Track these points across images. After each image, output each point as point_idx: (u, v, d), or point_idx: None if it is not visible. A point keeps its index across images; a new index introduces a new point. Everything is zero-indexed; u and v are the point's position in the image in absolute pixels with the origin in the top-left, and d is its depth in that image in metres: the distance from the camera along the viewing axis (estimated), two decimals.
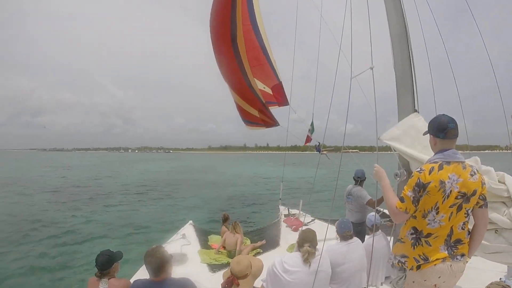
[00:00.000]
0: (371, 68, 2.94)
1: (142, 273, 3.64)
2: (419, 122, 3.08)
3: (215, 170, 47.04)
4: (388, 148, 3.20)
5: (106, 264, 2.82)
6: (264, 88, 7.75)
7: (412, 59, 3.23)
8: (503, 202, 2.70)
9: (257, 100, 7.31)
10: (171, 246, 5.87)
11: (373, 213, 4.14)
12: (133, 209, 16.71)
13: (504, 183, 2.69)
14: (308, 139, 8.69)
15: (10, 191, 23.11)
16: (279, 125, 7.70)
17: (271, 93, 7.86)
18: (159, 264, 2.48)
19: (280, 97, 7.92)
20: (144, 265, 2.50)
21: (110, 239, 10.92)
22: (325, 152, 15.53)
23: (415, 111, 3.20)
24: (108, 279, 2.81)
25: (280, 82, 7.78)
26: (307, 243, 3.18)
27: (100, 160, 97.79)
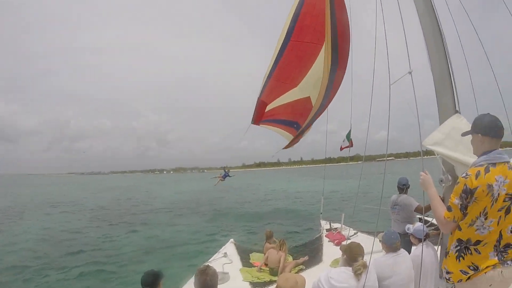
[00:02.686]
0: (410, 73, 2.87)
1: None
2: (461, 124, 2.94)
3: (251, 187, 47.10)
4: (427, 153, 3.08)
5: (152, 283, 2.89)
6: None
7: (449, 58, 3.12)
8: None
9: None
10: (213, 265, 5.88)
11: (420, 224, 3.98)
12: (172, 228, 17.06)
13: None
14: (342, 148, 8.64)
15: (52, 214, 24.43)
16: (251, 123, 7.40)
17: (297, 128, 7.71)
18: (212, 282, 2.51)
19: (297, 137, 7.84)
20: (186, 284, 2.53)
21: (150, 257, 11.21)
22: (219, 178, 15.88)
23: (457, 112, 3.07)
24: None
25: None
26: (359, 256, 3.10)
27: (137, 181, 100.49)
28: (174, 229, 16.59)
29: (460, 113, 3.05)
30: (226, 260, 6.24)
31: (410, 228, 4.03)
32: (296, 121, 7.62)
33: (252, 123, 7.44)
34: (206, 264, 2.75)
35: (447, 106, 3.11)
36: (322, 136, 8.03)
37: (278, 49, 6.52)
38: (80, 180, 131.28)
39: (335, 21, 6.24)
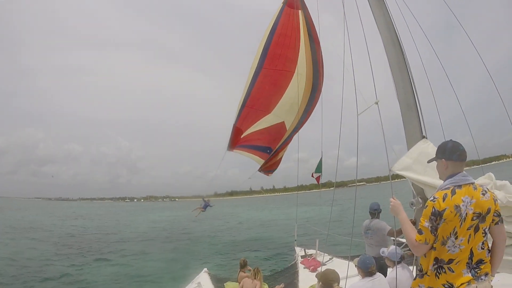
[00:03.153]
0: (376, 103, 3.03)
1: None
2: (428, 148, 3.09)
3: (225, 216, 46.33)
4: (396, 176, 3.19)
5: None
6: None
7: (414, 86, 3.30)
8: None
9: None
10: None
11: (394, 247, 4.05)
12: (144, 257, 16.51)
13: None
14: (318, 179, 8.70)
15: (18, 239, 22.95)
16: (227, 150, 7.55)
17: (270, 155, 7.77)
18: None
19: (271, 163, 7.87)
20: None
21: (121, 287, 10.89)
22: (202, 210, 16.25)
23: (423, 137, 3.23)
24: None
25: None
26: (335, 282, 3.11)
27: (107, 209, 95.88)
28: (146, 259, 16.06)
29: (426, 138, 3.21)
30: None
31: (385, 251, 4.10)
32: (269, 146, 7.72)
33: (228, 149, 7.45)
34: None
35: (414, 132, 3.26)
36: (294, 164, 8.15)
37: (251, 77, 6.66)
38: (48, 206, 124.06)
39: (315, 50, 6.52)
